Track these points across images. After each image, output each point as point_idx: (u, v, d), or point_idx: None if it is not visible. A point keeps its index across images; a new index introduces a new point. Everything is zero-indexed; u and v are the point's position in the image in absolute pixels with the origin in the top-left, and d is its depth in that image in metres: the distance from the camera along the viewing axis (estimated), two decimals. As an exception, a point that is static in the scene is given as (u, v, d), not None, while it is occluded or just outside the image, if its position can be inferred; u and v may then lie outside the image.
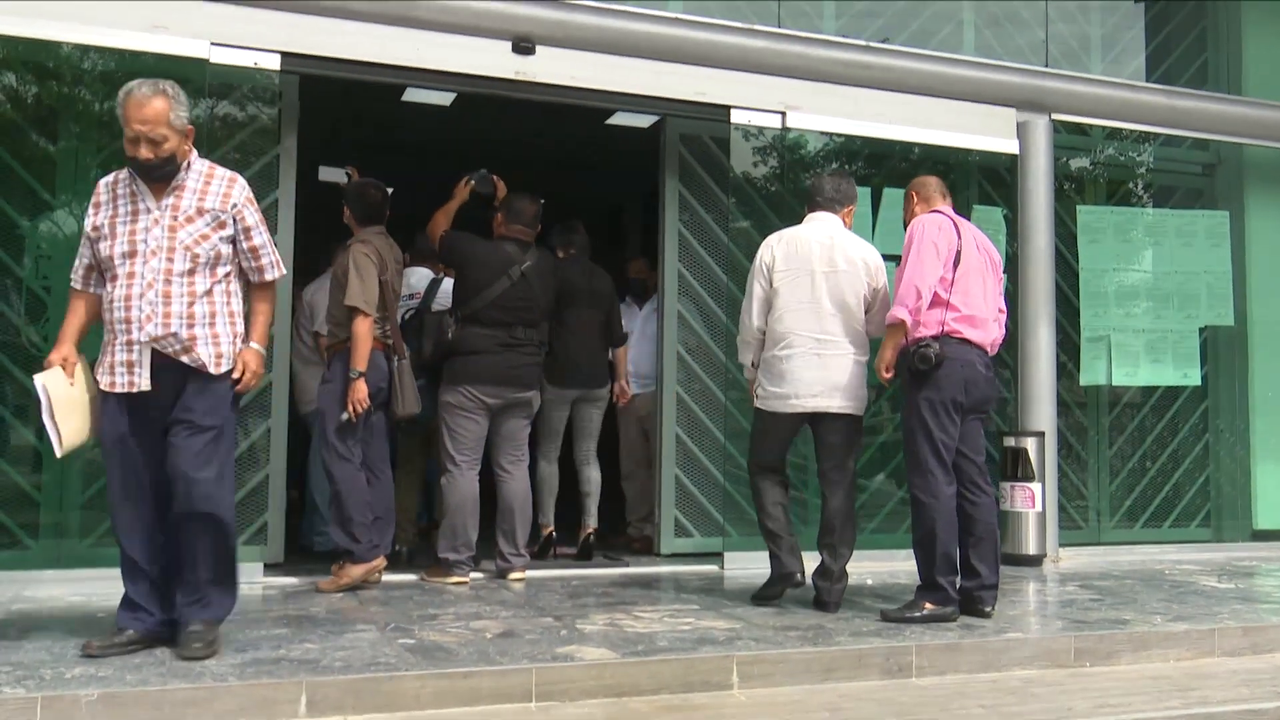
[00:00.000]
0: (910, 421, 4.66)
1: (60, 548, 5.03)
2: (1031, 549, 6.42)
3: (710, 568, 6.04)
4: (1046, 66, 7.13)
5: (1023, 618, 4.85)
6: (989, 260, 4.80)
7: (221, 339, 3.72)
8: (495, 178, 5.64)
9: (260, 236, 3.83)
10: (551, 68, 5.71)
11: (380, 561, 5.11)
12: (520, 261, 5.41)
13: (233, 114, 5.50)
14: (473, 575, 5.41)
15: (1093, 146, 7.54)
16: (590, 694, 3.60)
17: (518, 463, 5.49)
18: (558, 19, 5.69)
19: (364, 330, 4.98)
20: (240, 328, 3.81)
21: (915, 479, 4.65)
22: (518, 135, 8.05)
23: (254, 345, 3.82)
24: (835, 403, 4.77)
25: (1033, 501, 6.42)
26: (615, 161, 8.37)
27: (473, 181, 5.58)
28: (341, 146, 7.63)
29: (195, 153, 3.80)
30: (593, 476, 6.39)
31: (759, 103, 6.18)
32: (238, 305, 3.82)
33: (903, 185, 6.61)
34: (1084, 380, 7.13)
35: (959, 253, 4.62)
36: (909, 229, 4.78)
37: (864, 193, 6.53)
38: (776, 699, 3.71)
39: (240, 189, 3.80)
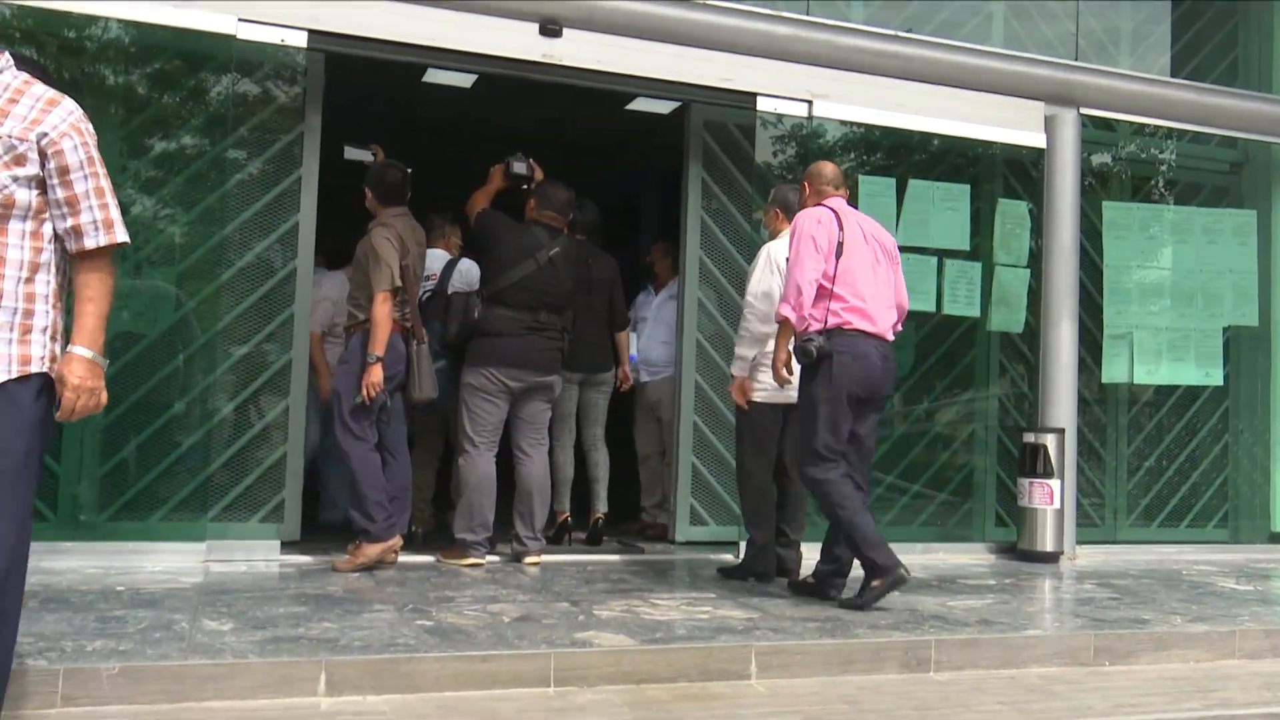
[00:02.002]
0: (804, 414, 4.67)
1: (79, 520, 5.04)
2: (1049, 546, 6.39)
3: (726, 556, 6.01)
4: (1076, 60, 7.07)
5: (1041, 615, 4.83)
6: (879, 249, 4.78)
7: (30, 331, 2.63)
8: (531, 161, 5.62)
9: (84, 184, 2.69)
10: (578, 51, 5.68)
11: (396, 541, 5.11)
12: (549, 247, 5.40)
13: (257, 91, 5.48)
14: (488, 558, 5.41)
15: (1119, 142, 7.47)
16: (608, 680, 3.60)
17: (537, 446, 5.48)
18: (586, 3, 5.65)
19: (383, 314, 4.96)
20: (60, 320, 2.72)
21: (807, 470, 4.67)
22: (538, 119, 8.01)
23: (79, 350, 2.65)
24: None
25: (1051, 498, 6.39)
26: (635, 148, 8.33)
27: (509, 163, 5.57)
28: (365, 127, 7.62)
29: (11, 61, 2.76)
30: (600, 460, 6.40)
31: (785, 90, 6.15)
32: (57, 286, 2.71)
33: (929, 177, 6.65)
34: (1105, 377, 7.08)
35: (841, 244, 4.62)
36: (791, 225, 4.78)
37: (888, 183, 6.51)
38: (795, 690, 3.69)
39: (62, 114, 2.69)
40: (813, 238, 4.61)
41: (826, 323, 4.60)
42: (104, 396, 2.72)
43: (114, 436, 5.14)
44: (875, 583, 4.54)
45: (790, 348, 4.66)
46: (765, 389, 5.10)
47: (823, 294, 4.60)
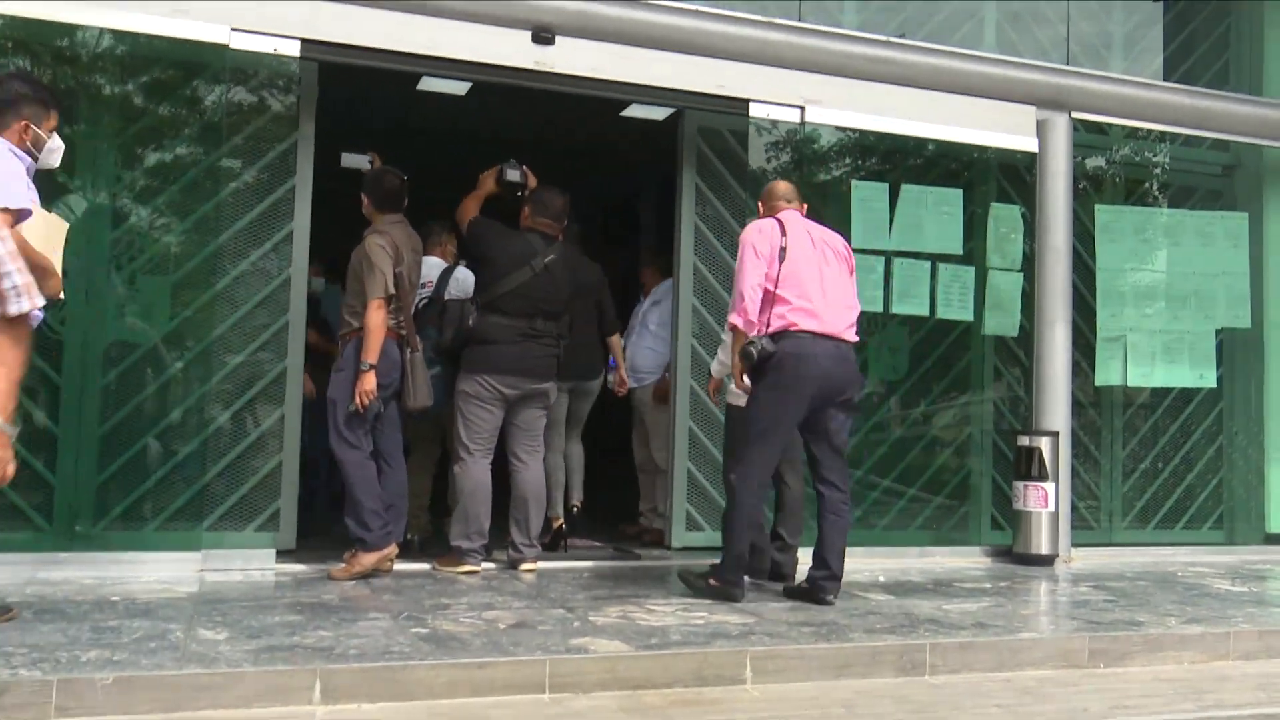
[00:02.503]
0: (749, 412, 4.74)
1: (75, 530, 5.04)
2: (1044, 549, 6.40)
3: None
4: (1067, 64, 7.09)
5: (1036, 617, 4.84)
6: (827, 252, 4.85)
7: None
8: (525, 169, 5.63)
9: None
10: (571, 58, 5.70)
11: (392, 549, 5.11)
12: (544, 254, 5.41)
13: (251, 100, 5.49)
14: (484, 565, 5.41)
15: (1112, 146, 7.50)
16: (604, 686, 3.60)
17: (533, 453, 5.49)
18: (579, 9, 5.67)
19: (377, 322, 4.97)
20: None
21: (732, 465, 4.78)
22: (532, 126, 8.03)
23: None
24: None
25: (1046, 501, 6.40)
26: (630, 154, 8.35)
27: (503, 170, 5.58)
28: (358, 134, 7.63)
29: None
30: (575, 452, 6.54)
31: (778, 96, 6.17)
32: None
33: (922, 182, 6.67)
34: (1099, 380, 7.09)
35: (784, 249, 4.70)
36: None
37: (881, 189, 6.53)
38: (790, 695, 3.70)
39: None
40: (753, 246, 4.71)
41: (771, 326, 4.68)
42: (10, 469, 2.62)
43: (111, 446, 5.15)
44: (713, 582, 4.73)
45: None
46: (738, 393, 5.11)
47: (768, 299, 4.68)
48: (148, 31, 5.08)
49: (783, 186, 5.08)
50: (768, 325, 4.68)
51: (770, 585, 5.19)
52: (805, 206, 5.06)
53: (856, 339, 4.89)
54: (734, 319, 4.72)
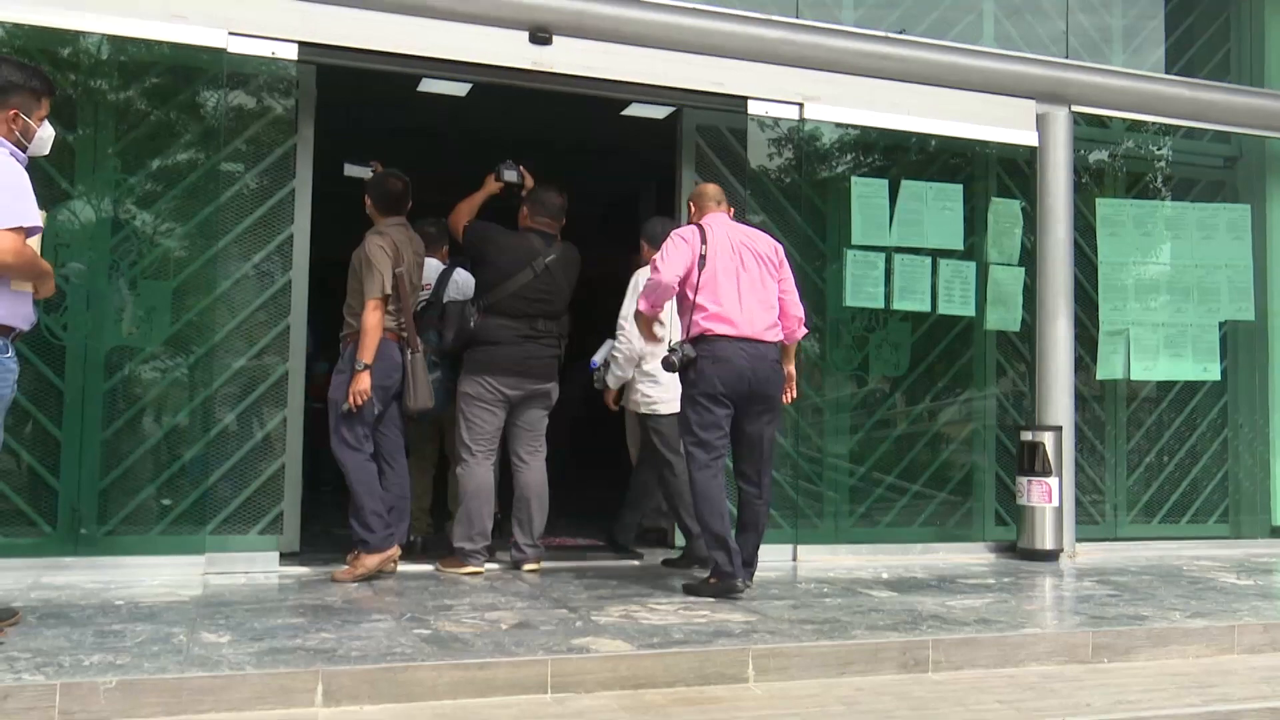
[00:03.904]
0: (681, 418, 4.97)
1: (78, 534, 5.05)
2: (1048, 544, 6.39)
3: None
4: (1067, 58, 7.08)
5: (1040, 613, 4.83)
6: (746, 256, 4.96)
7: None
8: (522, 168, 5.63)
9: None
10: (568, 58, 5.70)
11: (395, 551, 5.11)
12: (545, 254, 5.41)
13: (250, 104, 5.50)
14: (487, 566, 5.42)
15: (1112, 138, 7.48)
16: (606, 685, 3.60)
17: (535, 453, 5.49)
18: (575, 9, 5.67)
19: (373, 322, 4.97)
20: None
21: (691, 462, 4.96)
22: (533, 125, 8.03)
23: None
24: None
25: (1049, 496, 6.39)
26: (631, 151, 8.34)
27: (500, 170, 5.58)
28: (358, 137, 7.64)
29: None
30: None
31: (776, 93, 6.17)
32: None
33: (922, 177, 6.66)
34: (1101, 374, 7.08)
35: (704, 257, 4.88)
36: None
37: (881, 184, 6.52)
38: (792, 692, 3.70)
39: None
40: (667, 250, 4.90)
41: (690, 332, 4.90)
42: None
43: (114, 450, 5.16)
44: (712, 580, 4.87)
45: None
46: (650, 400, 5.63)
47: (686, 306, 4.92)
48: (146, 37, 5.09)
49: (711, 189, 5.24)
50: (688, 331, 4.91)
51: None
52: (732, 210, 5.28)
53: (778, 339, 5.00)
54: (640, 306, 5.01)
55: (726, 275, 4.89)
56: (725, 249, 4.93)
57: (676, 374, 4.91)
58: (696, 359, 4.81)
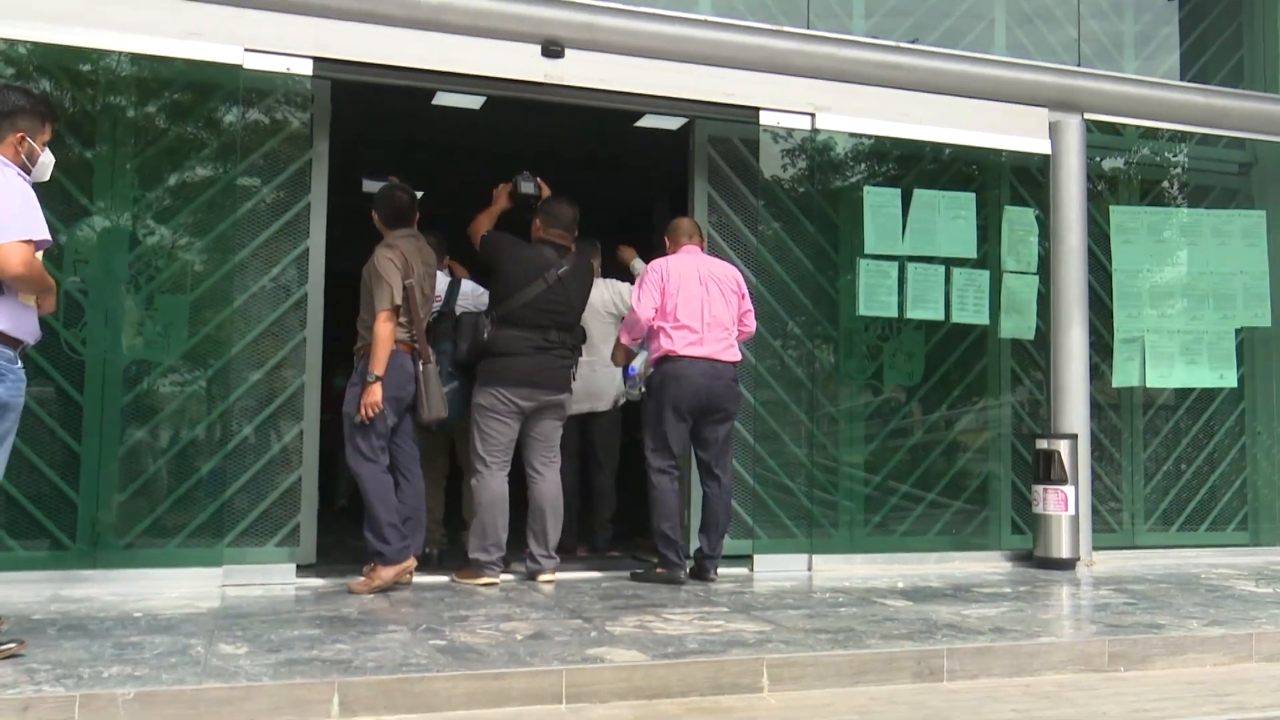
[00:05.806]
0: (644, 426, 5.68)
1: (97, 548, 5.10)
2: (1064, 552, 6.37)
3: (740, 570, 6.03)
4: (1079, 65, 7.07)
5: (1056, 621, 4.81)
6: (711, 286, 5.58)
7: None
8: (539, 180, 5.67)
9: None
10: (580, 71, 5.74)
11: (411, 563, 5.14)
12: (557, 265, 5.44)
13: (265, 119, 5.56)
14: (503, 577, 5.43)
15: (1126, 146, 7.46)
16: (620, 696, 3.61)
17: (550, 464, 5.51)
18: (586, 22, 5.71)
19: (385, 333, 5.00)
20: None
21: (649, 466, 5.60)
22: (547, 138, 8.08)
23: None
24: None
25: (1065, 504, 6.37)
26: (644, 163, 8.38)
27: (517, 183, 5.62)
28: (372, 150, 7.69)
29: None
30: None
31: (788, 104, 6.18)
32: None
33: (934, 186, 6.66)
34: (1117, 382, 7.05)
35: (671, 288, 5.52)
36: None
37: (894, 194, 6.52)
38: (806, 702, 3.70)
39: None
40: (640, 290, 5.59)
41: (654, 354, 5.59)
42: None
43: (132, 465, 5.21)
44: (660, 570, 5.53)
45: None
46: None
47: (654, 333, 5.56)
48: (163, 54, 5.15)
49: (685, 223, 5.86)
50: (654, 354, 5.59)
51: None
52: (704, 243, 5.90)
53: (737, 358, 5.63)
54: (623, 339, 5.72)
55: (692, 302, 5.51)
56: (692, 279, 5.55)
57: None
58: (661, 376, 5.48)
